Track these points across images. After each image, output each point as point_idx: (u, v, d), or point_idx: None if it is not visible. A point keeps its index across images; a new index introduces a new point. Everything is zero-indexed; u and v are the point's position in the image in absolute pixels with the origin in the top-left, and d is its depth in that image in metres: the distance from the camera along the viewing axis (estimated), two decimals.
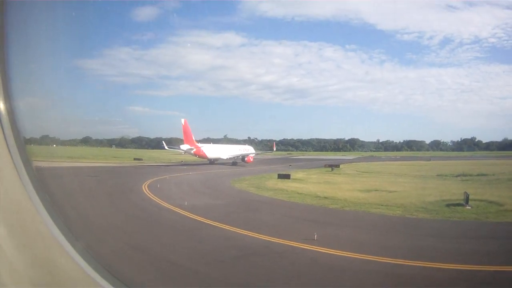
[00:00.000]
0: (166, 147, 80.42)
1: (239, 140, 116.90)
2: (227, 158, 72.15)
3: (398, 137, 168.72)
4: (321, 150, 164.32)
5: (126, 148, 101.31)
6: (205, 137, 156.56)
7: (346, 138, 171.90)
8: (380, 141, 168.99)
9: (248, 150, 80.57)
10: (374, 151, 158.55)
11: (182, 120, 69.72)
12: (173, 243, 15.59)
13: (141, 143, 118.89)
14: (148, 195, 28.28)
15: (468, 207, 24.92)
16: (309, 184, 39.28)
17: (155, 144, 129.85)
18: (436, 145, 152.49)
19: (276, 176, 46.75)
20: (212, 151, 72.11)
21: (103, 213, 20.45)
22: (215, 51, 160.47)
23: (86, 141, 77.95)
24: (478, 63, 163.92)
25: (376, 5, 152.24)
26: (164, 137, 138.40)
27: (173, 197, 27.40)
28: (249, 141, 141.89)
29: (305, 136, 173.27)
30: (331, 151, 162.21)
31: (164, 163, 75.40)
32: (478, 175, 48.14)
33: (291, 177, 45.08)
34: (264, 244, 15.30)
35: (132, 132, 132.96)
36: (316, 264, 13.22)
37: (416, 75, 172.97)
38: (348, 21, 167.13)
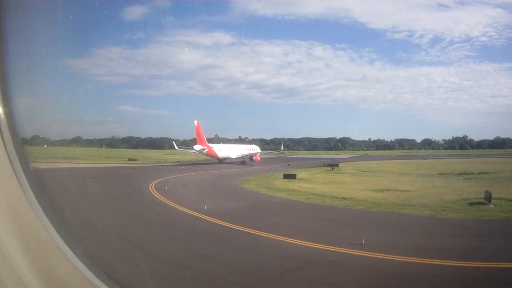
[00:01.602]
0: (176, 147, 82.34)
1: (229, 139, 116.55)
2: (236, 157, 74.29)
3: (389, 136, 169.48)
4: (313, 149, 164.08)
5: (116, 148, 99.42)
6: (195, 136, 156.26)
7: (338, 137, 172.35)
8: (372, 139, 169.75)
9: (255, 149, 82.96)
10: (366, 149, 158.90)
11: (195, 122, 71.91)
12: (214, 256, 13.98)
13: (131, 142, 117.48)
14: (160, 198, 26.93)
15: (491, 206, 24.66)
16: (318, 184, 38.46)
17: (145, 143, 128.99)
18: (428, 144, 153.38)
19: (281, 176, 46.10)
20: (222, 151, 74.16)
21: (117, 220, 18.76)
22: (205, 51, 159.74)
23: (76, 141, 75.83)
24: (468, 61, 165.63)
25: (366, 4, 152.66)
26: (154, 136, 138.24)
27: (186, 200, 26.13)
28: (240, 140, 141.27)
29: (296, 135, 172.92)
30: (322, 150, 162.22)
31: (160, 163, 74.01)
32: (479, 173, 48.02)
33: (297, 177, 44.16)
34: (314, 252, 14.23)
35: (122, 132, 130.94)
36: (381, 272, 12.34)
37: (406, 73, 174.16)
38: (339, 20, 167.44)
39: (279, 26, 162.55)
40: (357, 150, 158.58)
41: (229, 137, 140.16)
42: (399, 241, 16.25)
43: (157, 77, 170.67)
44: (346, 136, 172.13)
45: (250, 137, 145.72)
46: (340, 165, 65.80)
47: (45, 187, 5.27)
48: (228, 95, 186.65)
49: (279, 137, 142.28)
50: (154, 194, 28.55)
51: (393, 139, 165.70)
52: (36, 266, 4.14)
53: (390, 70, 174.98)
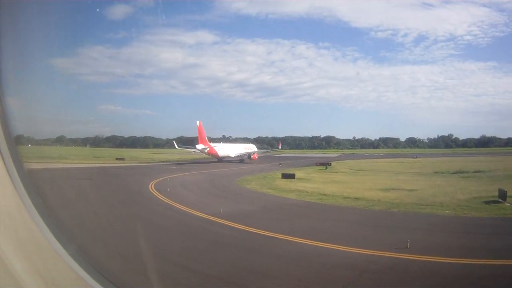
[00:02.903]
0: (176, 147, 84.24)
1: (214, 139, 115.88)
2: (235, 156, 76.72)
3: (373, 135, 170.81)
4: (297, 148, 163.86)
5: (100, 147, 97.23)
6: (179, 135, 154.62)
7: (322, 136, 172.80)
8: (356, 138, 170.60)
9: (252, 148, 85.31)
10: (350, 148, 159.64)
11: (197, 122, 74.16)
12: (265, 270, 12.21)
13: (115, 142, 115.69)
14: (166, 201, 25.40)
15: (507, 204, 24.30)
16: (320, 184, 37.52)
17: (129, 142, 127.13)
18: (413, 142, 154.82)
19: (278, 175, 45.45)
20: (223, 150, 76.76)
21: (132, 230, 16.69)
22: (188, 50, 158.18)
23: (60, 140, 73.51)
24: (453, 60, 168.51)
25: (350, 3, 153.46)
26: (137, 136, 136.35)
27: (195, 202, 24.71)
28: (224, 139, 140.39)
29: (280, 133, 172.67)
30: (307, 148, 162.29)
31: (149, 163, 72.67)
32: (474, 171, 47.99)
33: (295, 176, 43.25)
34: (363, 258, 13.12)
35: (105, 131, 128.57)
36: (447, 276, 11.56)
37: (390, 72, 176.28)
38: (322, 18, 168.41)
39: (262, 25, 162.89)
40: (341, 149, 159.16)
41: (212, 136, 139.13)
42: (442, 242, 15.58)
43: (140, 76, 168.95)
44: (331, 134, 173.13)
45: (234, 136, 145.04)
46: (332, 164, 65.30)
47: (40, 188, 5.22)
48: (211, 94, 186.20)
49: (263, 136, 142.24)
50: (159, 197, 27.00)
51: (378, 138, 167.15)
52: (31, 267, 4.11)
53: (373, 69, 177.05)
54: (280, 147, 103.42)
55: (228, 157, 76.33)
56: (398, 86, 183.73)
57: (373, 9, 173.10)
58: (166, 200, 25.31)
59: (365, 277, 11.56)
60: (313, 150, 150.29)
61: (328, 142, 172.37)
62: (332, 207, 24.54)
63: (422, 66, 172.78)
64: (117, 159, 74.80)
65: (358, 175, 48.82)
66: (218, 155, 75.18)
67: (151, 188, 31.44)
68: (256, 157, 79.59)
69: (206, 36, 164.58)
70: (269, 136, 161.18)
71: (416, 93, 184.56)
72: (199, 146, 73.32)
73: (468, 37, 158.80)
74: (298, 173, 46.25)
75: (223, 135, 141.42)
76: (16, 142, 4.64)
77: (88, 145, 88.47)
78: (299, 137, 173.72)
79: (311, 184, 37.15)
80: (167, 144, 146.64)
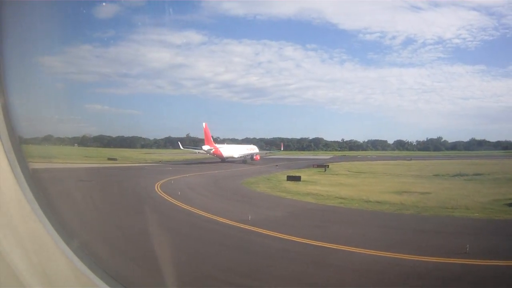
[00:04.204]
0: (181, 147, 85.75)
1: (201, 139, 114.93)
2: (238, 157, 78.82)
3: (361, 137, 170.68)
4: (285, 150, 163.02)
5: (88, 146, 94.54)
6: (166, 135, 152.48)
7: (310, 137, 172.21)
8: (345, 140, 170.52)
9: (253, 149, 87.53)
10: (339, 150, 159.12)
11: (203, 124, 77.13)
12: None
13: (103, 141, 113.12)
14: (182, 206, 23.84)
15: None
16: (329, 186, 36.58)
17: (117, 142, 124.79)
18: (401, 145, 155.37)
19: (282, 177, 44.79)
20: (227, 151, 79.02)
21: (161, 240, 14.67)
22: (175, 49, 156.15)
23: (48, 139, 70.92)
24: (440, 63, 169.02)
25: (339, 5, 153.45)
26: (125, 135, 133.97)
27: (214, 208, 23.30)
28: (212, 140, 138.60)
29: (268, 135, 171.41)
30: (295, 150, 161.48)
31: (142, 163, 71.08)
32: (474, 174, 47.85)
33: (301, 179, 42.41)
34: (433, 266, 12.48)
35: (92, 131, 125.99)
36: None
37: (377, 75, 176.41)
38: (311, 20, 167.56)
39: (250, 26, 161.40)
40: (330, 151, 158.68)
41: (200, 136, 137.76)
42: (495, 245, 15.18)
43: (127, 75, 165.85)
44: (319, 136, 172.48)
45: (222, 137, 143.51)
46: (330, 166, 64.56)
47: (43, 187, 5.25)
48: (197, 94, 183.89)
49: (250, 137, 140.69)
50: (172, 201, 25.36)
51: (366, 140, 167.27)
52: (33, 264, 4.11)
53: (360, 71, 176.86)
54: (282, 149, 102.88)
55: (232, 157, 78.05)
56: (385, 88, 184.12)
57: (362, 12, 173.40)
58: (182, 205, 23.74)
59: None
60: (302, 152, 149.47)
61: (316, 144, 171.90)
62: (362, 212, 23.52)
63: (410, 68, 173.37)
64: (109, 159, 72.93)
65: (361, 178, 47.93)
66: (222, 156, 77.37)
67: (159, 191, 29.92)
68: (258, 158, 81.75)
69: (193, 36, 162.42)
70: (257, 137, 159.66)
71: (403, 96, 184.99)
72: (205, 147, 76.36)
73: (457, 41, 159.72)
74: (302, 176, 45.30)
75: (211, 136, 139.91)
76: (20, 140, 4.63)
77: (76, 144, 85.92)
78: (287, 138, 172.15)
79: (321, 187, 36.06)
80: (155, 144, 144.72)
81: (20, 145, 4.52)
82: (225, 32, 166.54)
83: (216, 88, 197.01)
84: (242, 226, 17.98)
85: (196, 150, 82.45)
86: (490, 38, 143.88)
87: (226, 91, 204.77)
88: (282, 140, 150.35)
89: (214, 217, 20.05)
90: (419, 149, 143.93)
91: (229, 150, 79.91)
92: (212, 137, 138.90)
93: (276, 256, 13.84)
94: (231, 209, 23.35)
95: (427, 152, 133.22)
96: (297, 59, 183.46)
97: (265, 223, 18.54)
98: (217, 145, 79.18)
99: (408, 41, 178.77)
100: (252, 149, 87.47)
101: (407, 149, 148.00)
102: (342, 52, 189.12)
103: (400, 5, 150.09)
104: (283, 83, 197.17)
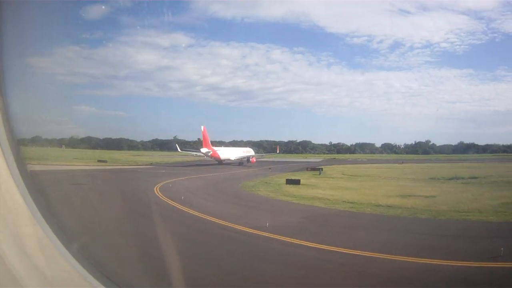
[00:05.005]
0: (179, 149, 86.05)
1: (189, 142, 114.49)
2: (234, 159, 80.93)
3: (348, 140, 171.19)
4: (273, 152, 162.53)
5: (76, 148, 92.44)
6: (154, 138, 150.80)
7: (298, 140, 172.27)
8: (332, 143, 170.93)
9: (250, 152, 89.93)
10: (327, 153, 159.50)
11: (202, 127, 79.44)
12: None
13: (90, 143, 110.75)
14: (188, 211, 22.85)
15: None
16: (330, 190, 35.82)
17: (104, 144, 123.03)
18: (389, 148, 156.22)
19: (280, 181, 44.22)
20: (224, 153, 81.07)
21: (181, 251, 13.67)
22: (163, 51, 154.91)
23: (36, 140, 68.93)
24: (428, 67, 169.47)
25: (328, 9, 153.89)
26: (112, 137, 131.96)
27: (223, 213, 22.33)
28: (200, 142, 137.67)
29: (254, 137, 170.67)
30: (283, 153, 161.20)
31: (133, 165, 69.87)
32: (470, 177, 47.86)
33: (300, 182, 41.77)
34: (474, 271, 12.23)
35: (79, 132, 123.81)
36: None
37: (364, 78, 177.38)
38: (298, 23, 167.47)
39: (238, 29, 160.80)
40: (318, 154, 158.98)
41: (188, 139, 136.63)
42: None
43: (115, 77, 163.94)
44: (306, 139, 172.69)
45: (209, 139, 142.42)
46: (324, 169, 64.08)
47: (42, 188, 5.54)
48: (184, 97, 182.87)
49: (238, 140, 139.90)
50: (178, 206, 24.26)
51: (354, 143, 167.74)
52: (32, 266, 4.11)
53: (347, 74, 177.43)
54: (278, 152, 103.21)
55: (229, 160, 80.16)
56: (372, 92, 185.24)
57: (350, 15, 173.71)
58: (190, 211, 22.62)
59: None
60: (290, 155, 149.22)
61: (304, 147, 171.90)
62: (378, 217, 22.73)
63: (397, 72, 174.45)
64: (99, 161, 71.34)
65: (359, 181, 47.35)
66: (220, 158, 79.01)
67: (161, 196, 28.84)
68: (254, 161, 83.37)
69: (181, 38, 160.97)
70: (244, 139, 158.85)
71: (390, 99, 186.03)
72: (203, 150, 78.08)
73: (445, 44, 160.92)
74: (299, 179, 44.67)
75: (198, 138, 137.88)
76: (18, 142, 4.63)
77: (63, 146, 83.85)
78: (275, 141, 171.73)
79: (323, 190, 35.33)
80: (142, 146, 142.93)
81: (19, 147, 4.53)
82: (212, 34, 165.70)
83: (203, 90, 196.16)
84: (262, 233, 16.94)
85: (194, 153, 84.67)
86: (478, 42, 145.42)
87: (213, 94, 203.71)
88: (276, 143, 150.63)
89: (229, 224, 18.97)
90: (407, 152, 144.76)
91: (226, 153, 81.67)
92: (199, 139, 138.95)
93: (319, 268, 12.79)
94: (242, 214, 22.37)
95: (416, 155, 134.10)
96: (284, 62, 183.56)
97: (284, 230, 17.59)
98: (215, 148, 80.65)
99: (396, 45, 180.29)
100: (248, 151, 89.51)
101: (395, 152, 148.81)
102: (330, 55, 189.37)
103: (389, 8, 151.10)
104: (270, 86, 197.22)
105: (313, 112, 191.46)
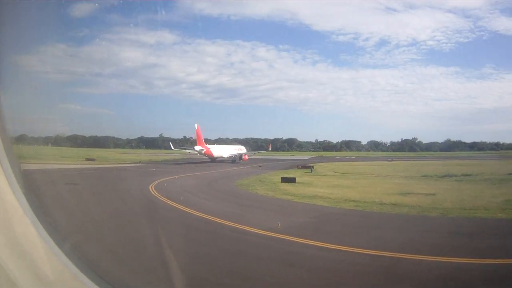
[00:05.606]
0: (172, 147, 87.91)
1: (174, 139, 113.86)
2: (227, 157, 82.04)
3: (334, 137, 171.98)
4: (259, 150, 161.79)
5: (62, 146, 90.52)
6: (139, 135, 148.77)
7: (284, 138, 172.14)
8: (318, 141, 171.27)
9: (242, 149, 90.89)
10: (313, 151, 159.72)
11: (195, 125, 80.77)
12: None
13: (76, 141, 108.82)
14: (191, 212, 21.88)
15: None
16: (327, 188, 35.40)
17: (90, 142, 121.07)
18: (376, 145, 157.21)
19: (274, 179, 44.10)
20: (217, 151, 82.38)
21: (204, 261, 12.83)
22: (148, 49, 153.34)
23: (22, 139, 67.05)
24: (414, 65, 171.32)
25: (314, 7, 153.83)
26: (98, 135, 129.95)
27: (228, 213, 21.38)
28: (185, 140, 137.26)
29: (240, 135, 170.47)
30: (269, 151, 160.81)
31: (122, 164, 68.63)
32: (463, 175, 47.94)
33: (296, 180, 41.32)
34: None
35: (65, 130, 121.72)
36: None
37: (349, 76, 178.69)
38: (284, 21, 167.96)
39: (223, 26, 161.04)
40: (304, 151, 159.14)
41: (173, 136, 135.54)
42: None
43: (100, 75, 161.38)
44: (292, 137, 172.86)
45: (195, 137, 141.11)
46: (314, 167, 63.75)
47: (35, 188, 5.80)
48: (170, 94, 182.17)
49: (223, 137, 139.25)
50: (178, 207, 23.24)
51: (339, 141, 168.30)
52: (25, 265, 4.09)
53: (333, 72, 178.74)
54: (270, 149, 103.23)
55: (222, 157, 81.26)
56: (357, 89, 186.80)
57: (336, 13, 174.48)
58: (194, 212, 21.56)
59: None
60: (277, 152, 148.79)
61: (290, 145, 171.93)
62: (386, 216, 22.22)
63: (383, 70, 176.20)
64: (87, 159, 70.31)
65: (352, 179, 46.95)
66: (213, 156, 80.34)
67: (158, 195, 27.77)
68: (247, 158, 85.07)
69: (166, 36, 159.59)
70: (230, 137, 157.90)
71: (375, 97, 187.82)
72: (197, 148, 79.09)
73: (431, 42, 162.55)
74: (293, 177, 44.15)
75: (184, 136, 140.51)
76: (11, 141, 4.61)
77: (49, 144, 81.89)
78: (260, 139, 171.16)
79: (320, 189, 34.82)
80: (128, 144, 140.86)
81: (11, 146, 4.47)
82: (198, 32, 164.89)
83: (188, 88, 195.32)
84: (278, 236, 15.97)
85: (188, 150, 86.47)
86: (465, 40, 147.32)
87: (198, 91, 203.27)
88: (262, 141, 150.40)
89: (240, 226, 17.96)
90: (394, 150, 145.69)
91: (219, 151, 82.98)
92: (185, 137, 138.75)
93: (350, 271, 12.01)
94: (248, 215, 21.52)
95: (402, 153, 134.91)
96: (270, 59, 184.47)
97: (298, 231, 16.78)
98: (208, 146, 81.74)
99: (382, 43, 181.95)
100: (241, 149, 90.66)
101: (382, 150, 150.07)
102: (315, 53, 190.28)
103: (375, 6, 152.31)
104: (255, 84, 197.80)
105: (298, 110, 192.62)
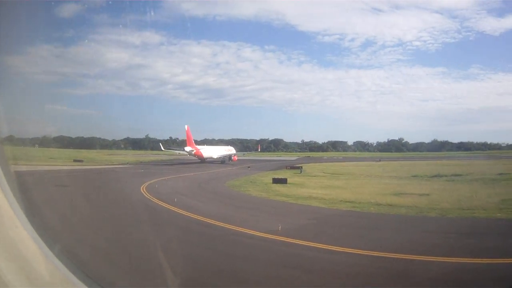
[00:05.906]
0: (162, 148, 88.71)
1: (160, 140, 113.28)
2: (217, 157, 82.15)
3: (320, 138, 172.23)
4: (245, 151, 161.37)
5: (48, 147, 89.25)
6: (125, 136, 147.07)
7: (270, 138, 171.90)
8: (305, 141, 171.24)
9: (231, 150, 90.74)
10: (299, 151, 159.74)
11: (186, 127, 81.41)
12: None
13: (63, 142, 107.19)
14: (187, 214, 21.31)
15: None
16: (320, 189, 35.16)
17: (76, 143, 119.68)
18: (362, 146, 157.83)
19: (265, 180, 43.88)
20: (207, 152, 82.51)
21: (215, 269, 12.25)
22: (134, 50, 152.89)
23: (9, 140, 65.65)
24: (400, 65, 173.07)
25: (300, 7, 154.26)
26: (84, 136, 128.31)
27: (225, 216, 20.90)
28: (171, 141, 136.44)
29: (226, 136, 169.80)
30: (255, 151, 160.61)
31: (110, 165, 67.68)
32: (453, 175, 48.30)
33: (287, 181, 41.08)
34: None
35: (51, 131, 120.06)
36: None
37: (335, 76, 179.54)
38: (270, 21, 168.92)
39: (209, 27, 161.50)
40: (291, 152, 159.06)
41: (159, 137, 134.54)
42: None
43: (86, 76, 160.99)
44: (278, 137, 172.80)
45: (180, 138, 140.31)
46: (303, 168, 63.60)
47: (26, 189, 5.54)
48: (155, 95, 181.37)
49: (209, 138, 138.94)
50: (174, 210, 22.61)
51: (326, 141, 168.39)
52: (16, 267, 4.07)
53: (318, 73, 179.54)
54: (259, 150, 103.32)
55: (211, 158, 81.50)
56: (343, 90, 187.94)
57: (322, 14, 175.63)
58: (190, 214, 20.97)
59: None
60: (263, 153, 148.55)
61: (276, 145, 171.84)
62: (386, 217, 21.96)
63: (368, 70, 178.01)
64: (75, 161, 69.45)
65: (343, 180, 46.84)
66: (203, 157, 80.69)
67: (151, 197, 27.15)
68: (236, 159, 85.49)
69: (152, 36, 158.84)
70: (216, 138, 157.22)
71: (361, 97, 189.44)
72: (187, 148, 79.92)
73: (417, 43, 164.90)
74: (283, 177, 43.92)
75: (170, 137, 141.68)
76: (1, 143, 4.81)
77: (36, 145, 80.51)
78: (246, 139, 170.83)
79: (313, 189, 34.58)
80: (114, 145, 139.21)
81: (2, 148, 4.54)
82: (184, 32, 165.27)
83: (173, 89, 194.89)
84: (280, 238, 15.55)
85: (178, 151, 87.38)
86: (452, 41, 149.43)
87: (184, 92, 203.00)
88: (248, 142, 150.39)
89: (239, 229, 17.40)
90: (380, 150, 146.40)
91: (209, 151, 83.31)
92: (171, 138, 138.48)
93: (366, 274, 11.68)
94: (246, 217, 20.97)
95: (389, 153, 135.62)
96: (255, 60, 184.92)
97: (299, 233, 16.40)
98: (198, 147, 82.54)
99: (367, 43, 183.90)
100: (230, 150, 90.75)
101: (368, 150, 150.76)
102: (301, 53, 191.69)
103: (360, 7, 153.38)
104: (240, 84, 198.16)
105: (284, 110, 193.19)
